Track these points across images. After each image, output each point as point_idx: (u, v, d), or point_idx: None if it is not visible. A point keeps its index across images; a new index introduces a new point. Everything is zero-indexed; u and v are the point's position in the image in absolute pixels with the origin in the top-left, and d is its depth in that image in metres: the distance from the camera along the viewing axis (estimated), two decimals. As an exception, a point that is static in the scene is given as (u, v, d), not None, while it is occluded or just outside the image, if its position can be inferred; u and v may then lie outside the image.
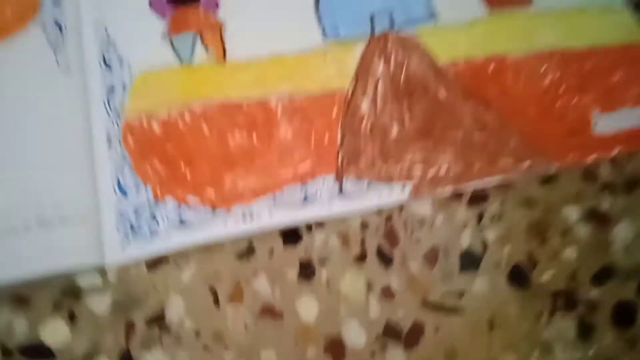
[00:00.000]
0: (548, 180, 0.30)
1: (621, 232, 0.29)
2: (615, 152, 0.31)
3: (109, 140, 0.29)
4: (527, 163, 0.31)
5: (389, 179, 0.30)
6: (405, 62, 0.34)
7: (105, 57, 0.31)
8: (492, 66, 0.34)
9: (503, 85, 0.34)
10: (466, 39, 0.35)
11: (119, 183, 0.28)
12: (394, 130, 0.31)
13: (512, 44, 0.35)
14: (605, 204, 0.29)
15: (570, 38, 0.34)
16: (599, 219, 0.30)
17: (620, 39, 0.35)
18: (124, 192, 0.28)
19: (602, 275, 0.29)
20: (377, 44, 0.34)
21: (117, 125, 0.29)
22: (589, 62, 0.34)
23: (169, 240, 0.28)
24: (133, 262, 0.28)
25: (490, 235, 0.29)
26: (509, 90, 0.33)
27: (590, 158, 0.31)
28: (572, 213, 0.30)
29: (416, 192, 0.29)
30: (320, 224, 0.28)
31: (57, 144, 0.29)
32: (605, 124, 0.32)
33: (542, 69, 0.34)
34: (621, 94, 0.33)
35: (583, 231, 0.30)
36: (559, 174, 0.30)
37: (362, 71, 0.33)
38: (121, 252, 0.28)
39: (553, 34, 0.34)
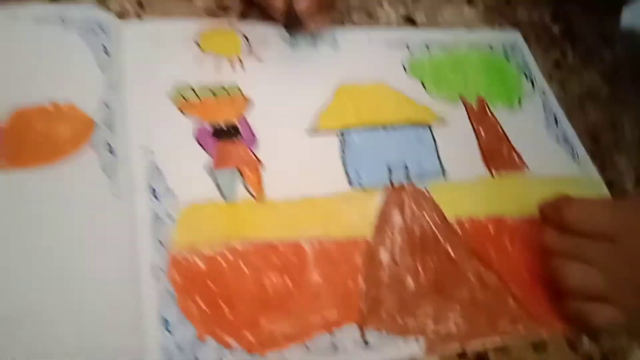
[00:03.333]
0: (539, 347, 0.34)
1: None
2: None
3: (155, 273, 0.31)
4: (521, 327, 0.35)
5: (405, 333, 0.33)
6: (419, 216, 0.38)
7: (153, 185, 0.33)
8: (492, 227, 0.39)
9: (502, 247, 0.38)
10: (470, 197, 0.40)
11: (163, 318, 0.29)
12: (410, 284, 0.34)
13: (509, 205, 0.40)
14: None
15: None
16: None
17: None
18: (168, 328, 0.29)
19: None
20: (394, 194, 0.38)
21: (164, 257, 0.31)
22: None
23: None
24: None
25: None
26: (506, 252, 0.38)
27: (572, 329, 0.35)
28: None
29: (429, 348, 0.32)
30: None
31: (102, 270, 0.30)
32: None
33: (534, 235, 0.39)
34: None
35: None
36: (547, 342, 0.34)
37: (381, 221, 0.37)
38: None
39: (544, 197, 0.39)
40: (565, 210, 0.33)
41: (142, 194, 0.33)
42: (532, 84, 0.48)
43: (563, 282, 0.33)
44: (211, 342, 0.29)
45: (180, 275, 0.30)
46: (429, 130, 0.42)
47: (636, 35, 0.57)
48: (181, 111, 0.37)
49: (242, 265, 0.32)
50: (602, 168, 0.44)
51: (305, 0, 0.38)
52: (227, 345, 0.29)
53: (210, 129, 0.37)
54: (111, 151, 0.33)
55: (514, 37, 0.52)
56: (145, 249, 0.31)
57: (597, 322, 0.32)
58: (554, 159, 0.44)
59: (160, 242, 0.31)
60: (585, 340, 0.34)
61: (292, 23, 0.41)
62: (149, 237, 0.31)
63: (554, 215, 0.34)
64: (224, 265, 0.31)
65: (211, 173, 0.35)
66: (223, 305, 0.30)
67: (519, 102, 0.47)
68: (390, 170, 0.39)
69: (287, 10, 0.40)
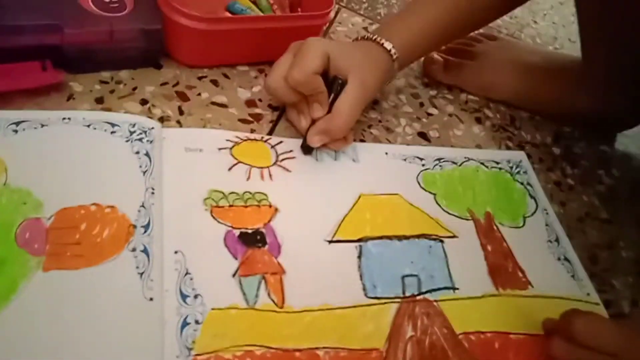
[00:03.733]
0: None
1: None
2: None
3: (180, 376, 0.32)
4: None
5: None
6: (430, 329, 0.40)
7: (182, 289, 0.36)
8: (498, 342, 0.41)
9: (507, 365, 0.40)
10: (478, 312, 0.42)
11: None
12: (419, 398, 0.36)
13: (514, 321, 0.42)
14: None
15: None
16: None
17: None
18: None
19: None
20: (406, 307, 0.41)
21: (188, 360, 0.33)
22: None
23: None
24: None
25: None
26: (511, 371, 0.39)
27: None
28: None
29: None
30: None
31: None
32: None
33: (537, 352, 0.41)
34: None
35: None
36: None
37: (394, 333, 0.39)
38: None
39: (546, 315, 0.41)
40: (575, 322, 0.36)
41: (172, 297, 0.35)
42: (536, 202, 0.52)
43: None
44: None
45: (204, 381, 0.32)
46: (440, 243, 0.45)
47: (631, 159, 0.61)
48: (213, 216, 0.40)
49: (265, 374, 0.33)
50: (600, 288, 0.46)
51: (317, 139, 0.45)
52: None
53: (237, 234, 0.39)
54: (147, 254, 0.36)
55: (519, 156, 0.56)
56: (171, 352, 0.32)
57: None
58: (555, 277, 0.46)
59: (187, 347, 0.33)
60: None
61: (305, 148, 0.47)
62: (175, 340, 0.33)
63: (563, 325, 0.36)
64: (245, 371, 0.33)
65: (237, 279, 0.37)
66: (243, 413, 0.31)
67: (524, 220, 0.50)
68: (403, 282, 0.42)
69: (304, 136, 0.46)
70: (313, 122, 0.45)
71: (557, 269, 0.47)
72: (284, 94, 0.44)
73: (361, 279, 0.41)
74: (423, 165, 0.51)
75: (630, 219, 0.54)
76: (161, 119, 0.44)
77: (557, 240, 0.49)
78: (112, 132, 0.41)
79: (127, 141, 0.41)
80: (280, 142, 0.47)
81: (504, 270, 0.45)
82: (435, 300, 0.41)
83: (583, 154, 0.59)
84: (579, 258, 0.48)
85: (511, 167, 0.54)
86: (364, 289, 0.40)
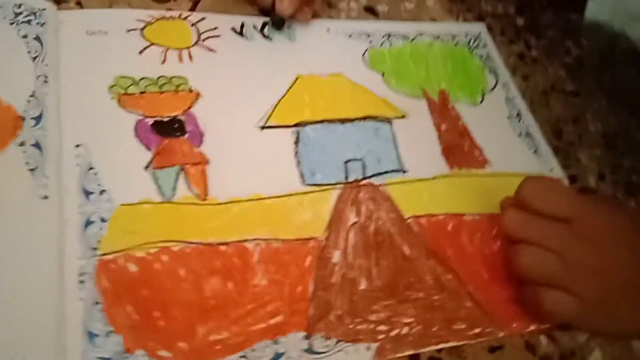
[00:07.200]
0: (495, 349, 0.33)
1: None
2: (550, 324, 0.34)
3: (82, 279, 0.28)
4: (478, 329, 0.33)
5: (355, 338, 0.31)
6: (375, 214, 0.36)
7: (85, 186, 0.31)
8: (451, 225, 0.37)
9: (460, 246, 0.37)
10: (429, 195, 0.38)
11: (87, 329, 0.27)
12: (362, 286, 0.33)
13: (469, 202, 0.39)
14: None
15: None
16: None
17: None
18: (92, 340, 0.27)
19: None
20: (349, 192, 0.37)
21: (92, 262, 0.29)
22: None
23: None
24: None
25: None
26: (465, 251, 0.36)
27: (530, 329, 0.34)
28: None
29: (379, 353, 0.31)
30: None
31: (25, 275, 0.27)
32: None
33: (494, 232, 0.38)
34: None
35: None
36: (504, 344, 0.33)
37: (335, 220, 0.35)
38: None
39: (505, 194, 0.37)
40: (524, 184, 0.32)
41: (73, 194, 0.30)
42: (496, 77, 0.47)
43: (518, 265, 0.31)
44: (141, 355, 0.26)
45: (109, 282, 0.28)
46: (388, 125, 0.40)
47: (600, 28, 0.56)
48: (121, 105, 0.34)
49: (180, 269, 0.29)
50: (565, 163, 0.42)
51: (286, 3, 0.39)
52: (159, 358, 0.26)
53: (151, 123, 0.34)
54: (40, 148, 0.31)
55: (478, 28, 0.50)
56: (73, 254, 0.28)
57: (549, 307, 0.31)
58: (516, 154, 0.43)
59: (91, 247, 0.29)
60: (544, 340, 0.33)
61: (276, 22, 0.41)
62: (76, 240, 0.29)
63: (516, 197, 0.33)
64: (159, 269, 0.29)
65: (150, 171, 0.32)
66: (156, 313, 0.28)
67: (482, 96, 0.45)
68: (346, 167, 0.37)
69: (272, 10, 0.40)
70: None
71: (518, 146, 0.43)
72: None
73: (298, 165, 0.36)
74: (370, 42, 0.45)
75: (598, 90, 0.49)
76: (58, 1, 0.37)
77: (518, 115, 0.45)
78: (-7, 15, 0.35)
79: (11, 24, 0.35)
80: (203, 18, 0.40)
81: (459, 149, 0.41)
82: (382, 184, 0.37)
83: (549, 24, 0.54)
84: (543, 133, 0.44)
85: (469, 41, 0.49)
86: (302, 176, 0.36)
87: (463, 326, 0.33)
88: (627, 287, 0.32)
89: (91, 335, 0.26)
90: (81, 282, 0.28)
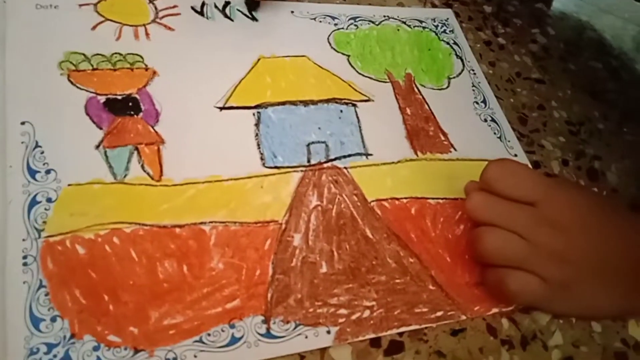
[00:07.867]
0: (457, 332, 0.32)
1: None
2: (512, 307, 0.34)
3: (25, 262, 0.27)
4: (440, 313, 0.33)
5: (315, 322, 0.30)
6: (337, 197, 0.35)
7: (31, 164, 0.29)
8: (414, 208, 0.37)
9: (423, 229, 0.36)
10: (393, 178, 0.38)
11: (31, 314, 0.26)
12: (324, 269, 0.32)
13: (433, 187, 0.38)
14: None
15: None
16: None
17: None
18: (36, 326, 0.25)
19: None
20: (311, 175, 0.36)
21: (36, 244, 0.27)
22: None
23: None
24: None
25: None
26: (428, 235, 0.36)
27: (492, 311, 0.34)
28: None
29: (339, 337, 0.30)
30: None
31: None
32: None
33: (457, 216, 0.37)
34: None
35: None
36: (466, 327, 0.32)
37: (296, 203, 0.34)
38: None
39: (469, 179, 0.37)
40: (488, 167, 0.32)
41: (17, 173, 0.28)
42: (462, 62, 0.47)
43: (483, 248, 0.31)
44: (89, 340, 0.25)
45: (55, 264, 0.26)
46: (352, 107, 0.40)
47: (567, 18, 0.56)
48: (71, 81, 0.33)
49: (132, 252, 0.28)
50: (529, 149, 0.42)
51: None
52: (108, 343, 0.25)
53: (103, 101, 0.33)
54: (-19, 125, 0.29)
55: (446, 14, 0.50)
56: (16, 235, 0.26)
57: (514, 288, 0.30)
58: (480, 139, 0.42)
59: (35, 228, 0.27)
60: (505, 323, 0.32)
61: (250, 3, 0.41)
62: (21, 221, 0.27)
63: (481, 181, 0.32)
64: (109, 251, 0.28)
65: (102, 151, 0.31)
66: (106, 297, 0.26)
67: (448, 81, 0.45)
68: (309, 150, 0.36)
69: None
70: None
71: (483, 131, 0.43)
72: None
73: (259, 147, 0.35)
74: (335, 24, 0.44)
75: (563, 79, 0.49)
76: (6, -27, 0.35)
77: (484, 101, 0.45)
78: None
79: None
80: (161, -4, 0.39)
81: (424, 133, 0.40)
82: (345, 167, 0.36)
83: (517, 12, 0.54)
84: (508, 119, 0.44)
85: (436, 26, 0.48)
86: (262, 159, 0.35)
87: (425, 309, 0.32)
88: (592, 269, 0.32)
89: (35, 320, 0.25)
90: (25, 264, 0.26)
